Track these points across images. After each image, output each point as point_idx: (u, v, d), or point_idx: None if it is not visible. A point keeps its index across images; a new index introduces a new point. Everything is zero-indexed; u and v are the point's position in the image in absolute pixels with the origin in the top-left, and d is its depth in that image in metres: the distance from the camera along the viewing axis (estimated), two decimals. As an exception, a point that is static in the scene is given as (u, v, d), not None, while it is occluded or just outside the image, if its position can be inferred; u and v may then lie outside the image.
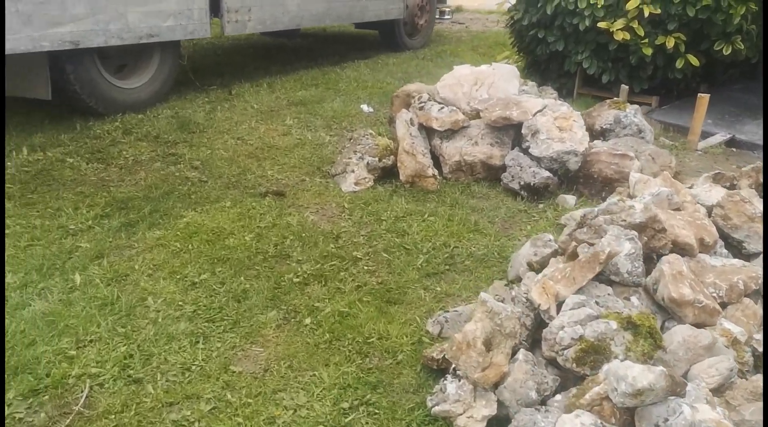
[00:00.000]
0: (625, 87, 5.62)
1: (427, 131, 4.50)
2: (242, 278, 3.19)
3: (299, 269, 3.27)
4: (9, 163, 4.48)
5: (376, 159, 4.36)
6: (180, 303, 2.99)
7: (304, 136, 5.22)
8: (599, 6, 5.52)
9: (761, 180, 3.45)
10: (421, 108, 4.52)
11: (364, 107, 5.99)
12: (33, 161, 4.53)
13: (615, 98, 5.19)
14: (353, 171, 4.32)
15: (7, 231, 3.59)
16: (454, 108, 4.42)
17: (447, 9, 10.20)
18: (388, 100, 6.25)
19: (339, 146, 4.98)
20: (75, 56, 5.09)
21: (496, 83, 4.67)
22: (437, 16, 10.11)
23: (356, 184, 4.26)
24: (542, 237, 3.02)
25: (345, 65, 7.97)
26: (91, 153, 4.73)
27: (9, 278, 3.14)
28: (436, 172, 4.24)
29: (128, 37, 5.29)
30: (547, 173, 4.02)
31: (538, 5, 5.93)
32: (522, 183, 4.05)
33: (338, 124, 5.55)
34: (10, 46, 4.50)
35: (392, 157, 4.40)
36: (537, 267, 2.95)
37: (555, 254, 2.96)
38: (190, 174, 4.44)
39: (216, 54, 8.37)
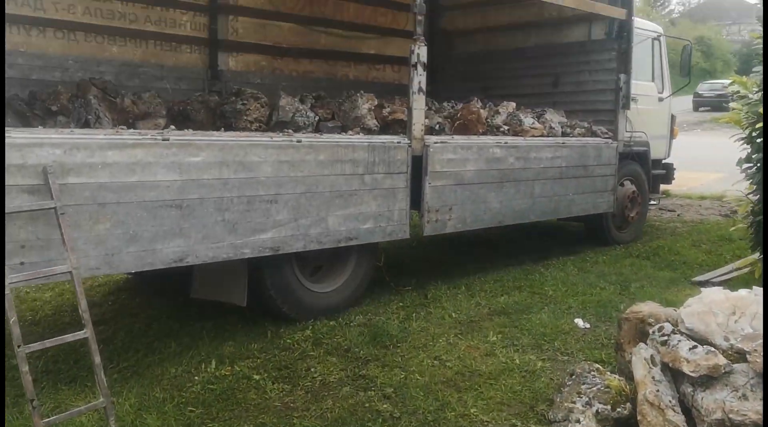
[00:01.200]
0: None
1: (673, 373, 3.58)
2: None
3: None
4: (197, 378, 4.21)
5: (608, 407, 3.48)
6: None
7: (511, 358, 4.49)
8: None
9: None
10: (663, 343, 3.64)
11: (579, 322, 5.17)
12: (220, 377, 4.22)
13: None
14: (578, 421, 3.46)
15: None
16: (711, 349, 3.48)
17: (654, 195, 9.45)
18: (605, 313, 5.42)
19: (554, 377, 4.18)
20: (273, 261, 4.94)
21: (762, 314, 3.69)
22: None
23: (583, 439, 3.38)
24: None
25: (549, 263, 7.30)
26: (279, 369, 4.35)
27: None
28: (692, 434, 3.26)
29: (327, 240, 5.08)
30: None
31: (796, 208, 4.95)
32: (825, 466, 2.93)
33: (550, 344, 4.77)
34: (213, 254, 4.41)
35: (628, 404, 3.51)
36: None
37: None
38: (381, 406, 3.84)
39: (410, 247, 8.11)
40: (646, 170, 8.87)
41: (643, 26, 8.82)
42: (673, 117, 9.50)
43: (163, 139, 4.11)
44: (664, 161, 9.55)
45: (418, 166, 5.71)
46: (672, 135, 9.51)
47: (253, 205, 4.59)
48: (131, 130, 4.20)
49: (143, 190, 4.04)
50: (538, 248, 8.05)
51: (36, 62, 6.06)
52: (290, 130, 5.14)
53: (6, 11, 5.92)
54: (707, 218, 11.07)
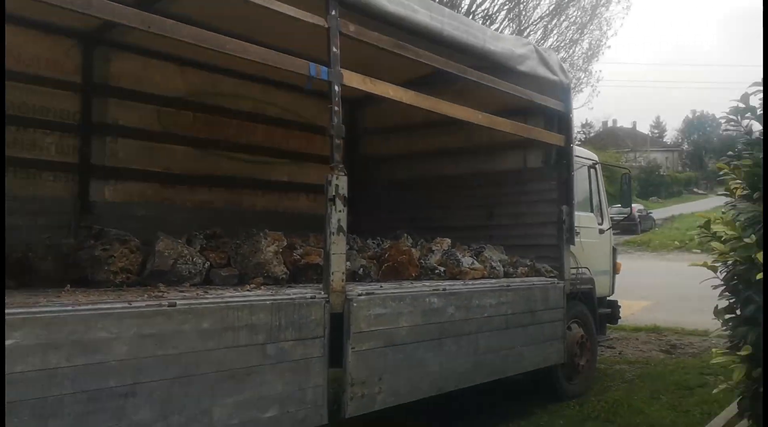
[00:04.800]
0: None
1: None
2: None
3: None
4: None
5: None
6: None
7: None
8: None
9: None
10: None
11: None
12: None
13: None
14: None
15: None
16: None
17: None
18: None
19: None
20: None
21: None
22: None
23: None
24: None
25: (498, 433, 6.00)
26: None
27: None
28: None
29: (214, 439, 3.63)
30: None
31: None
32: None
33: None
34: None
35: None
36: None
37: None
38: None
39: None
40: (592, 310, 7.89)
41: (579, 153, 8.16)
42: (614, 250, 8.73)
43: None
44: (608, 298, 8.66)
45: (338, 327, 4.42)
46: (615, 269, 8.69)
47: (115, 401, 3.13)
48: None
49: None
50: (482, 408, 6.74)
51: None
52: (161, 286, 3.80)
53: None
54: (650, 355, 10.23)
